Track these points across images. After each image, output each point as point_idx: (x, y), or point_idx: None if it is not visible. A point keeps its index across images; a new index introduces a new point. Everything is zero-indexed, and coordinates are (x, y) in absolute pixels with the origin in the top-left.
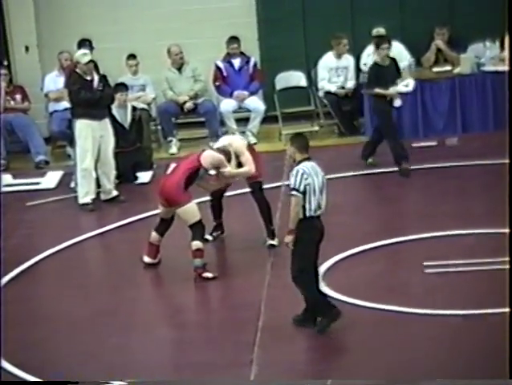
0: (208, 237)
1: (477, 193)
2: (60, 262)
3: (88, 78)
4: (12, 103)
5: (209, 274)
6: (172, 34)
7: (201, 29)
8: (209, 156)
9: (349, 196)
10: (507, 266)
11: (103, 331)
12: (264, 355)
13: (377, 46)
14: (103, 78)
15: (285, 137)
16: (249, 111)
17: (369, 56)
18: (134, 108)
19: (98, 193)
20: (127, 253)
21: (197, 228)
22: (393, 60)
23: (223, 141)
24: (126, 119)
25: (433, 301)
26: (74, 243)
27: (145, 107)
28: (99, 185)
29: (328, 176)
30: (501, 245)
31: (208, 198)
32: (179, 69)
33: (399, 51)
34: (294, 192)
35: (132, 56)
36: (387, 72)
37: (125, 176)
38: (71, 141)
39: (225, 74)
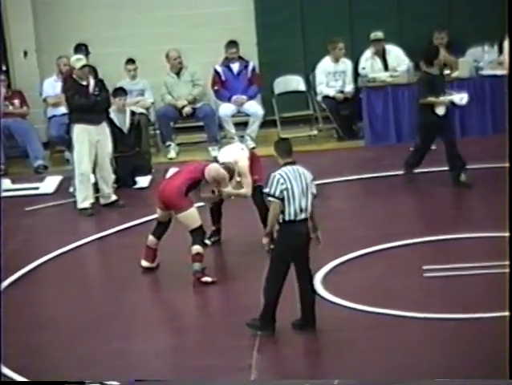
0: (206, 241)
1: (476, 197)
2: (59, 267)
3: (84, 83)
4: (11, 108)
5: (208, 279)
6: (171, 38)
7: (199, 33)
8: (213, 171)
9: (348, 200)
10: (507, 270)
11: (102, 336)
12: (263, 360)
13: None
14: (99, 82)
15: None
16: (247, 115)
17: (367, 60)
18: (133, 113)
19: (97, 198)
20: (126, 257)
21: (198, 234)
22: (442, 69)
23: (228, 155)
24: (125, 124)
25: (432, 305)
26: (73, 248)
27: (144, 111)
28: (98, 190)
29: (327, 181)
30: (501, 248)
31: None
32: (177, 73)
33: (397, 55)
34: (270, 198)
35: (130, 61)
36: (438, 81)
37: (124, 181)
38: (70, 146)
39: (223, 78)
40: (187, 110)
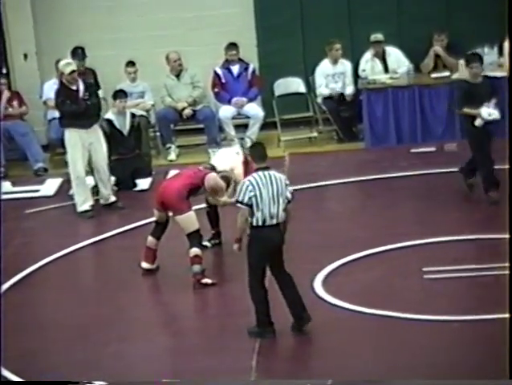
0: (206, 243)
1: (476, 199)
2: (59, 269)
3: (74, 87)
4: (10, 109)
5: (208, 280)
6: (171, 40)
7: (199, 35)
8: (212, 180)
9: (348, 202)
10: (507, 272)
11: (102, 338)
12: (263, 362)
13: (467, 64)
14: (90, 87)
15: (284, 143)
16: (247, 117)
17: (367, 62)
18: (133, 115)
19: (97, 200)
20: (126, 260)
21: (195, 237)
22: (487, 79)
23: (224, 161)
24: (125, 126)
25: (432, 307)
26: (73, 250)
27: (144, 113)
28: (97, 192)
29: (326, 182)
30: (501, 250)
31: (204, 205)
32: (178, 76)
33: (397, 57)
34: (238, 205)
35: (130, 63)
36: (478, 91)
37: (124, 183)
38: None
39: (223, 80)
40: (187, 112)
